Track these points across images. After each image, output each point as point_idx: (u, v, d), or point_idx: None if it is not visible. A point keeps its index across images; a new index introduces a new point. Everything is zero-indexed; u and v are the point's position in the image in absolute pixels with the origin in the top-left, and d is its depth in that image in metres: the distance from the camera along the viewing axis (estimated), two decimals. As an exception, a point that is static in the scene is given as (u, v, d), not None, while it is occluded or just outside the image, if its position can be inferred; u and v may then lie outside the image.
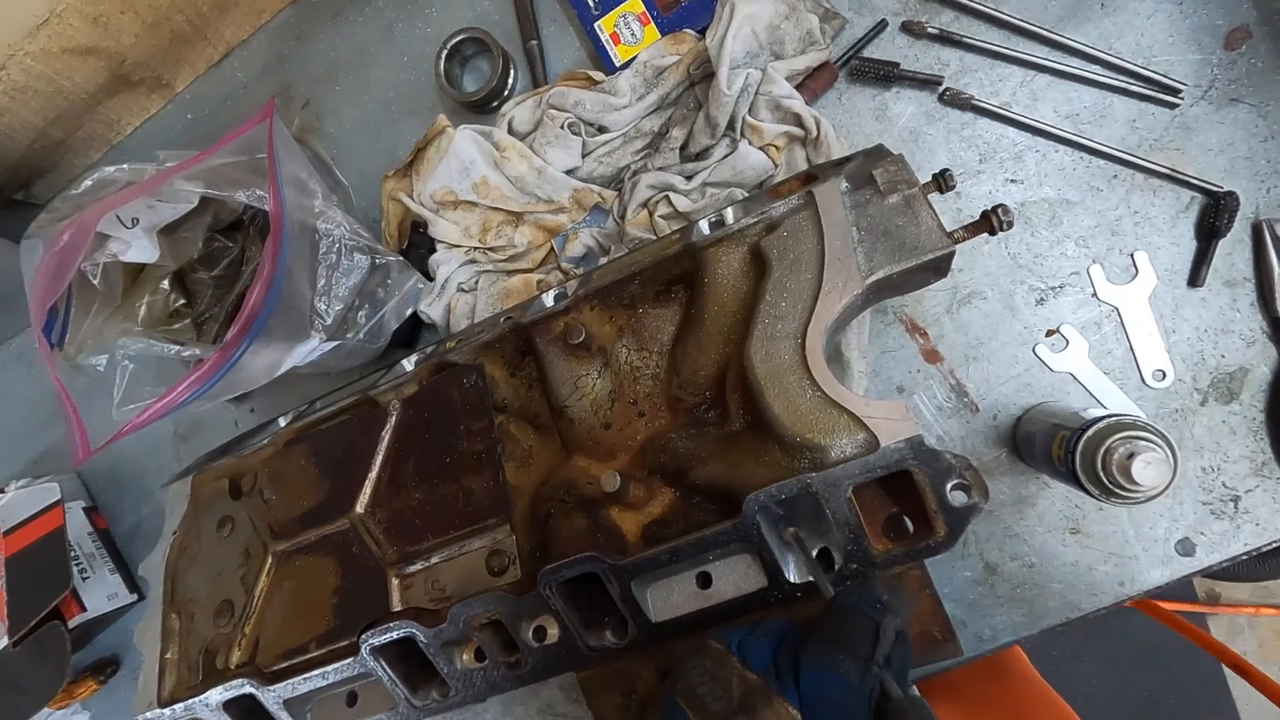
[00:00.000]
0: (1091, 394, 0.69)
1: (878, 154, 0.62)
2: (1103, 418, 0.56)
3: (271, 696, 0.65)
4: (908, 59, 0.73)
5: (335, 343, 0.78)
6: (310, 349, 0.76)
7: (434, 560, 0.65)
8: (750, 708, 0.43)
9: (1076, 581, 0.70)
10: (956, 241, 0.55)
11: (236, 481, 0.76)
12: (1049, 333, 0.71)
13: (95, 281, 0.66)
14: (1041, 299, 0.71)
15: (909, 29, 0.73)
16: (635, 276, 0.67)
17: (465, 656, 0.62)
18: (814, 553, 0.57)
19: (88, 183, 0.69)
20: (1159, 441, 0.53)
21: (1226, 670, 1.96)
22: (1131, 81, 0.69)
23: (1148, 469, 0.51)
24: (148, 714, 0.67)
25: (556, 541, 0.61)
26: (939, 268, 0.58)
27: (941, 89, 0.73)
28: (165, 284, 0.76)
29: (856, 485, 0.52)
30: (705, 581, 0.58)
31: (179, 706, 0.66)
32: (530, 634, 0.60)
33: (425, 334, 0.88)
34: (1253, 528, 0.66)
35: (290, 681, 0.64)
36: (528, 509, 0.67)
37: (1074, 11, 0.70)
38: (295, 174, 0.75)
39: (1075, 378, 0.70)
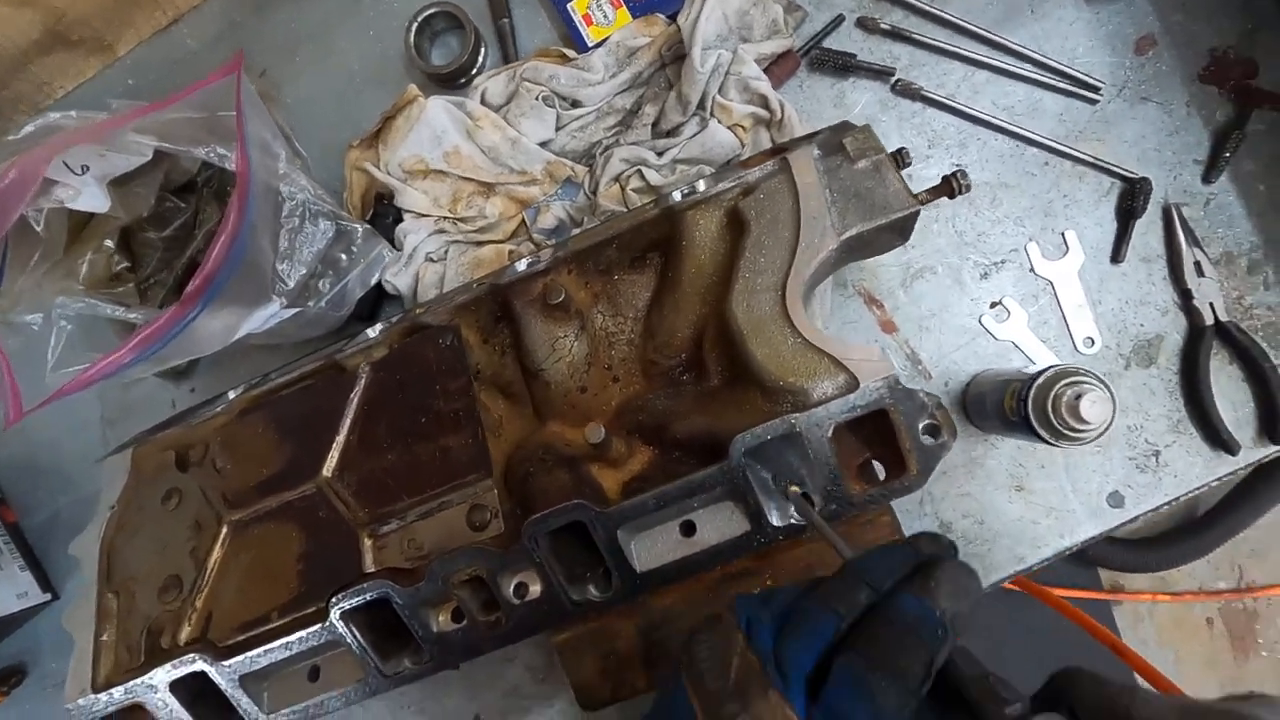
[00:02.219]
0: (1030, 360, 0.75)
1: (844, 128, 0.66)
2: (1048, 368, 0.62)
3: (226, 672, 0.60)
4: (863, 52, 0.79)
5: (296, 309, 0.75)
6: (270, 314, 0.73)
7: (410, 519, 0.63)
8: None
9: (1021, 535, 0.75)
10: (922, 203, 0.60)
11: (184, 453, 0.72)
12: (992, 304, 0.77)
13: (39, 229, 0.61)
14: (985, 273, 0.77)
15: (864, 24, 0.79)
16: (613, 240, 0.68)
17: (442, 618, 0.61)
18: (793, 494, 0.59)
19: (29, 128, 0.65)
20: (1100, 383, 0.58)
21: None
22: (1058, 79, 0.76)
23: (1094, 407, 0.56)
24: (80, 700, 0.62)
25: (540, 497, 0.61)
26: (904, 228, 0.62)
27: (894, 80, 0.78)
28: (110, 242, 0.72)
29: (837, 425, 0.55)
30: (689, 530, 0.59)
31: (117, 690, 0.61)
32: (511, 590, 0.59)
33: (387, 308, 0.86)
34: (1172, 479, 0.73)
35: (248, 655, 0.60)
36: (501, 477, 0.66)
37: (1008, 15, 0.78)
38: (260, 133, 0.72)
39: (1017, 345, 0.76)
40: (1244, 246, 0.74)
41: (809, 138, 0.67)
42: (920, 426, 0.55)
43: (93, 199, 0.63)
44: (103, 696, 0.61)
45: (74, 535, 0.76)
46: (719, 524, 0.59)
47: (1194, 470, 0.73)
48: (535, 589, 0.59)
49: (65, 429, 0.93)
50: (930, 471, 0.55)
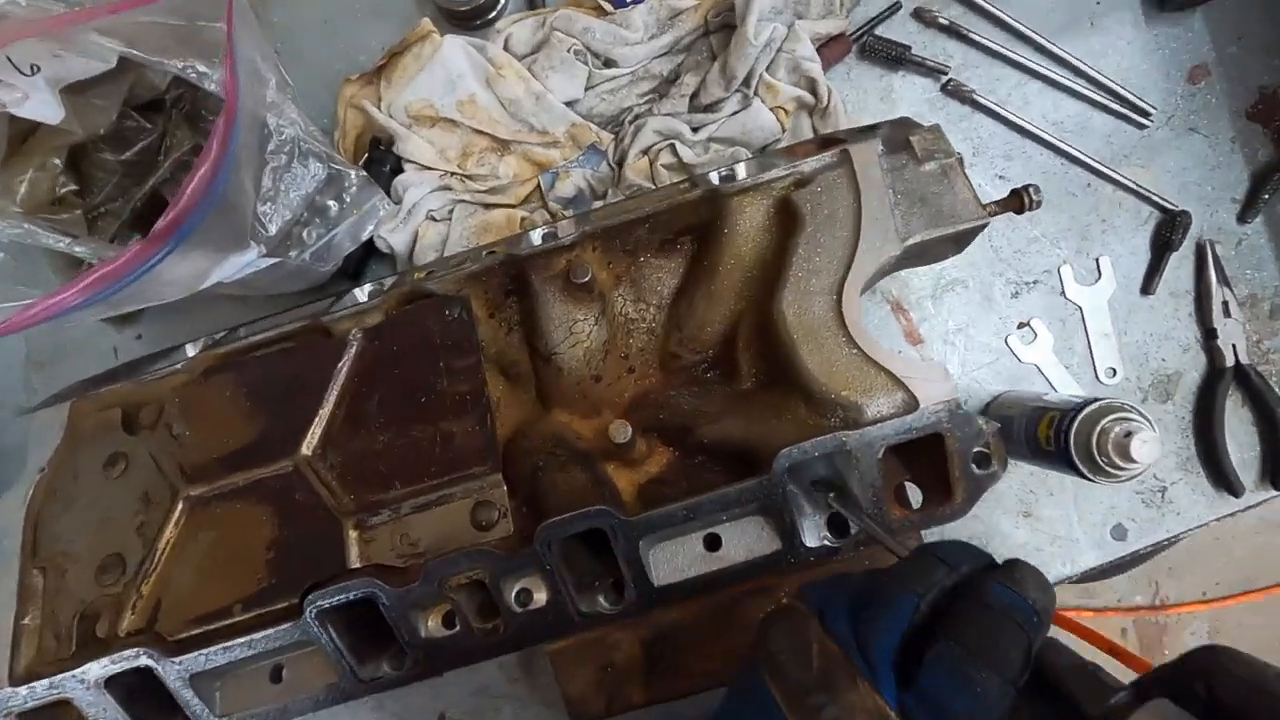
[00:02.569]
0: (1052, 385, 0.74)
1: (906, 124, 0.62)
2: (1092, 400, 0.59)
3: (176, 670, 0.53)
4: (917, 45, 0.75)
5: (275, 259, 0.66)
6: (246, 262, 0.64)
7: (403, 511, 0.56)
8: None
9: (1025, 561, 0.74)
10: (991, 215, 0.56)
11: (133, 412, 0.62)
12: (1020, 325, 0.74)
13: (-28, 135, 0.51)
14: (1016, 292, 0.75)
15: (920, 16, 0.75)
16: (646, 220, 0.62)
17: (432, 622, 0.54)
18: (824, 518, 0.55)
19: (-35, 11, 0.54)
20: (1149, 422, 0.56)
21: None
22: (1110, 99, 0.74)
23: (1144, 447, 0.54)
24: (-5, 693, 0.53)
25: (553, 495, 0.55)
26: (964, 240, 0.59)
27: (946, 79, 0.74)
28: (58, 160, 0.61)
29: (888, 448, 0.51)
30: (714, 544, 0.55)
31: (41, 684, 0.53)
32: (514, 597, 0.53)
33: (375, 267, 0.78)
34: (1175, 516, 0.73)
35: (203, 652, 0.53)
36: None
37: (1068, 25, 0.74)
38: (249, 53, 0.63)
39: (1040, 369, 0.74)
40: (1268, 290, 0.74)
41: (869, 130, 0.62)
42: (971, 453, 0.52)
43: (43, 106, 0.53)
44: (22, 690, 0.53)
45: None
46: (747, 540, 0.55)
47: (1196, 509, 0.73)
48: (540, 597, 0.54)
49: (-20, 368, 0.82)
50: (974, 502, 0.52)
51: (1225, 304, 0.72)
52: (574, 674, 0.61)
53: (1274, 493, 0.73)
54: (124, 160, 0.64)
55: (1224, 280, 0.72)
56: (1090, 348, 0.74)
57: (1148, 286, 0.73)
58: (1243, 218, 0.73)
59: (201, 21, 0.61)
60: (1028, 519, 0.74)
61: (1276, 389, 0.72)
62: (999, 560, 0.42)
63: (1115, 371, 0.73)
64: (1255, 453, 0.73)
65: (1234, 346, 0.71)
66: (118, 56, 0.58)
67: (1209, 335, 0.73)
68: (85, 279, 0.54)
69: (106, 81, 0.60)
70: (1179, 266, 0.74)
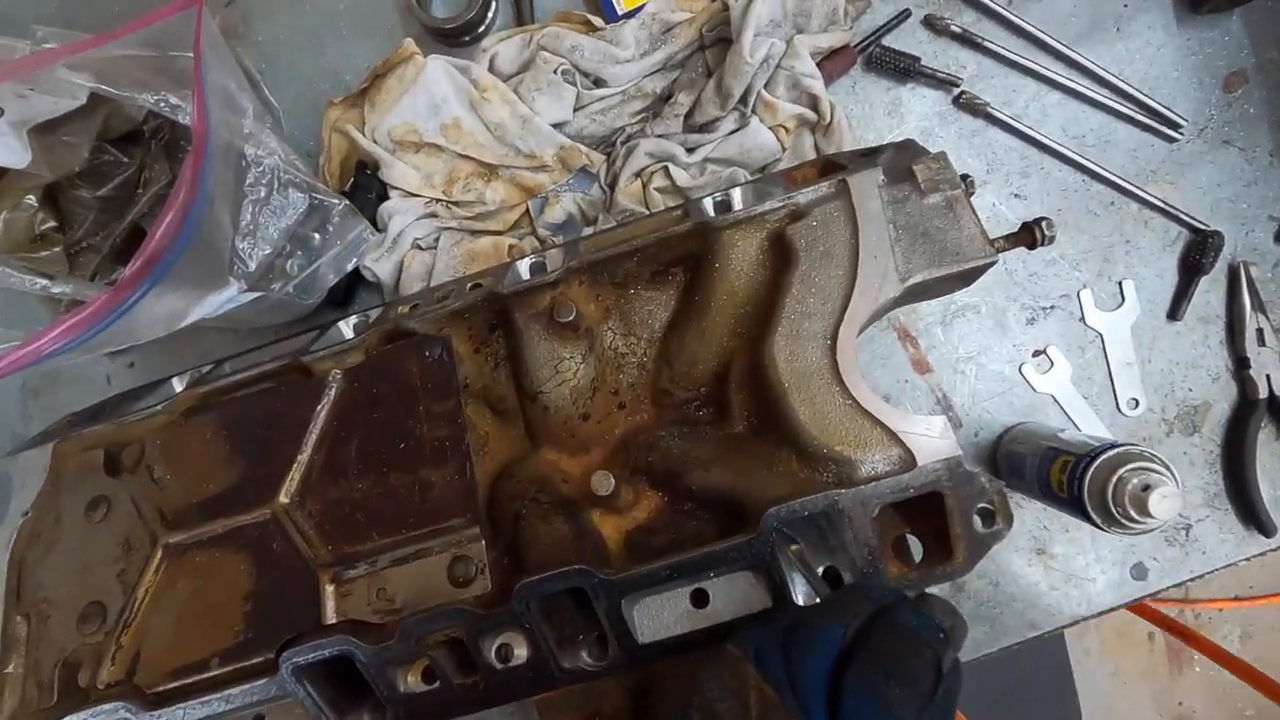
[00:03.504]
0: (1070, 417, 0.70)
1: (911, 149, 0.58)
2: (1110, 445, 0.56)
3: (154, 724, 0.52)
4: (927, 55, 0.70)
5: (257, 294, 0.65)
6: (226, 299, 0.63)
7: (380, 564, 0.55)
8: None
9: (1037, 601, 0.70)
10: (999, 251, 0.52)
11: (115, 454, 0.62)
12: (1036, 353, 0.70)
13: (-64, 183, 0.50)
14: (1032, 318, 0.70)
15: (931, 24, 0.70)
16: (635, 253, 0.59)
17: (411, 678, 0.53)
18: (820, 570, 0.52)
19: (-71, 53, 0.52)
20: (1170, 474, 0.53)
21: (1073, 666, 2.17)
22: (1137, 110, 0.69)
23: (1164, 502, 0.51)
24: (-23, 744, 0.53)
25: (534, 548, 0.53)
26: (970, 277, 0.55)
27: (958, 92, 0.70)
28: (32, 199, 0.60)
29: (884, 505, 0.48)
30: (701, 600, 0.52)
31: (23, 735, 0.53)
32: (494, 653, 0.52)
33: (363, 295, 0.76)
34: (1200, 555, 0.69)
35: (181, 706, 0.52)
36: (485, 504, 0.58)
37: (1091, 30, 0.69)
38: (223, 82, 0.61)
39: (1056, 400, 0.70)
40: (1308, 316, 0.68)
41: (870, 155, 0.58)
42: (975, 509, 0.49)
43: (8, 151, 0.52)
44: (5, 741, 0.53)
45: None
46: (735, 596, 0.52)
47: (1224, 548, 0.69)
48: (521, 653, 0.52)
49: (-21, 395, 0.82)
50: (977, 561, 0.49)
51: (1260, 331, 0.67)
52: (561, 722, 0.60)
53: (1309, 533, 0.68)
54: (101, 196, 0.62)
55: (1259, 306, 0.67)
56: (1111, 377, 0.69)
57: (1175, 312, 0.69)
58: (1281, 237, 0.68)
59: (174, 52, 0.60)
60: (1041, 557, 0.70)
61: (1314, 422, 0.67)
62: None
63: (1138, 402, 0.69)
64: (1289, 489, 0.69)
65: (1268, 377, 0.67)
66: (88, 93, 0.56)
67: (1241, 364, 0.68)
68: (58, 327, 0.53)
69: (77, 118, 0.58)
70: (1209, 290, 0.69)
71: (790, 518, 0.48)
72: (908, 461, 0.48)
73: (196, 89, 0.55)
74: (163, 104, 0.57)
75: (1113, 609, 0.70)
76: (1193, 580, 0.69)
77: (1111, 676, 2.20)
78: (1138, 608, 2.16)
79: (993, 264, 0.53)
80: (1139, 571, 0.70)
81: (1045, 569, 0.70)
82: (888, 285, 0.52)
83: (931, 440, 0.48)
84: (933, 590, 0.50)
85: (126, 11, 0.75)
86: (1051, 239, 0.52)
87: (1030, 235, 0.53)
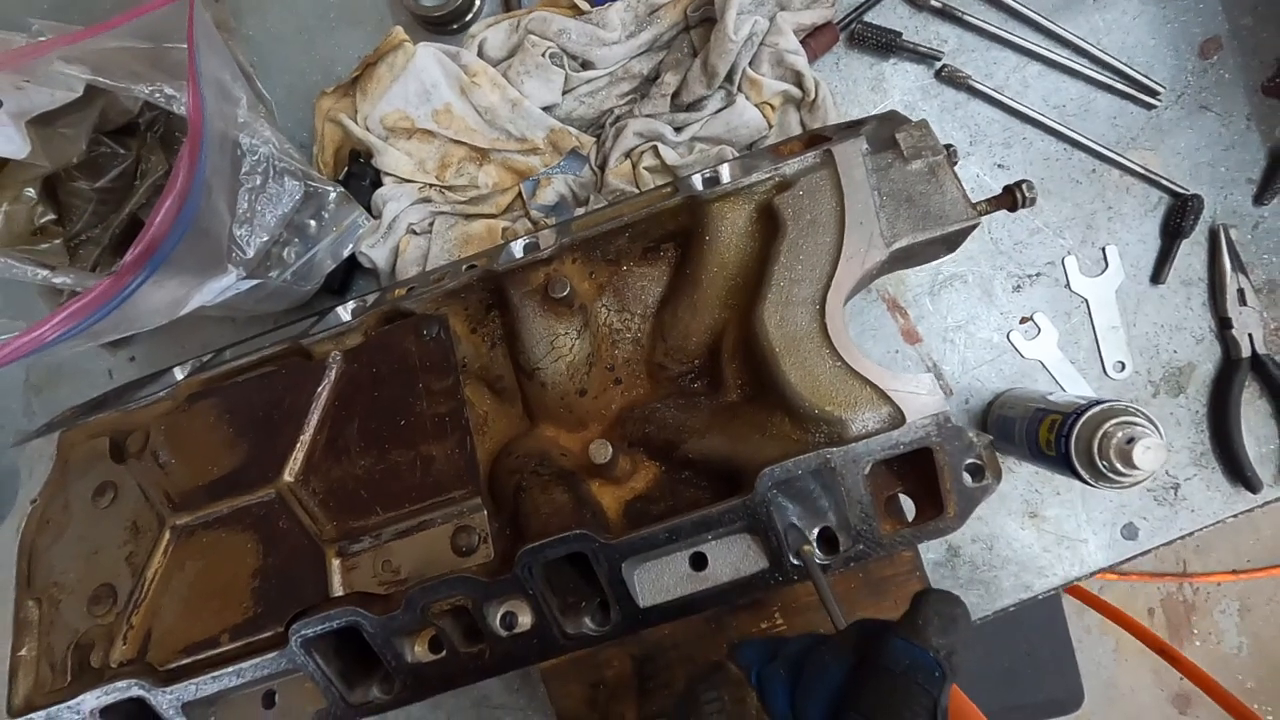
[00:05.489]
0: (1058, 381, 0.71)
1: (894, 119, 0.59)
2: (1095, 403, 0.57)
3: (167, 699, 0.53)
4: (908, 30, 0.71)
5: (255, 281, 0.66)
6: (224, 286, 0.64)
7: (385, 537, 0.56)
8: None
9: (1030, 563, 0.72)
10: (981, 214, 0.53)
11: (120, 441, 0.62)
12: (1023, 320, 0.72)
13: (-62, 174, 0.51)
14: (1018, 286, 0.72)
15: (912, -1, 0.71)
16: (626, 229, 0.60)
17: (418, 648, 0.54)
18: (814, 533, 0.53)
19: (-73, 47, 0.53)
20: (1154, 427, 0.54)
21: (1075, 644, 2.19)
22: (1115, 78, 0.70)
23: (1148, 453, 0.52)
24: (-7, 726, 0.54)
25: (535, 517, 0.54)
26: (955, 241, 0.56)
27: (939, 65, 0.71)
28: (31, 191, 0.61)
29: (876, 462, 0.49)
30: (700, 563, 0.54)
31: (38, 715, 0.54)
32: (499, 621, 0.53)
33: (360, 282, 0.77)
34: (1189, 514, 0.71)
35: (193, 681, 0.53)
36: (486, 480, 0.59)
37: (1068, 3, 0.71)
38: (217, 73, 0.62)
39: (1044, 365, 0.71)
40: (1288, 276, 0.70)
41: (854, 127, 0.59)
42: (963, 465, 0.50)
43: (8, 142, 0.53)
44: (20, 721, 0.54)
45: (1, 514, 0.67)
46: (733, 558, 0.53)
47: (1212, 505, 0.70)
48: (525, 620, 0.53)
49: (-18, 393, 0.83)
50: (968, 515, 0.50)
51: (1241, 291, 0.68)
52: (566, 691, 0.61)
53: (1294, 488, 0.70)
54: (99, 188, 0.63)
55: (1239, 267, 0.69)
56: (1097, 341, 0.71)
57: (1158, 276, 0.70)
58: (1259, 199, 0.69)
59: (168, 44, 0.61)
60: (1033, 519, 0.71)
61: (1296, 379, 0.69)
62: None
63: (1124, 365, 0.70)
64: (1274, 446, 0.70)
65: (1250, 336, 0.68)
66: (84, 84, 0.57)
67: (1224, 325, 0.69)
68: (59, 314, 0.54)
69: (74, 110, 0.59)
70: (1191, 254, 0.70)
71: (784, 477, 0.49)
72: (897, 419, 0.50)
73: (191, 77, 0.56)
74: (158, 94, 0.58)
75: (1105, 569, 0.71)
76: (1183, 538, 0.71)
77: (1113, 653, 2.22)
78: (1139, 575, 2.16)
79: (975, 227, 0.54)
80: (1130, 531, 0.71)
81: (1038, 531, 0.72)
82: (874, 250, 0.53)
83: (919, 397, 0.49)
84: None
85: (121, 4, 0.76)
86: (1032, 200, 0.54)
87: (1011, 197, 0.54)
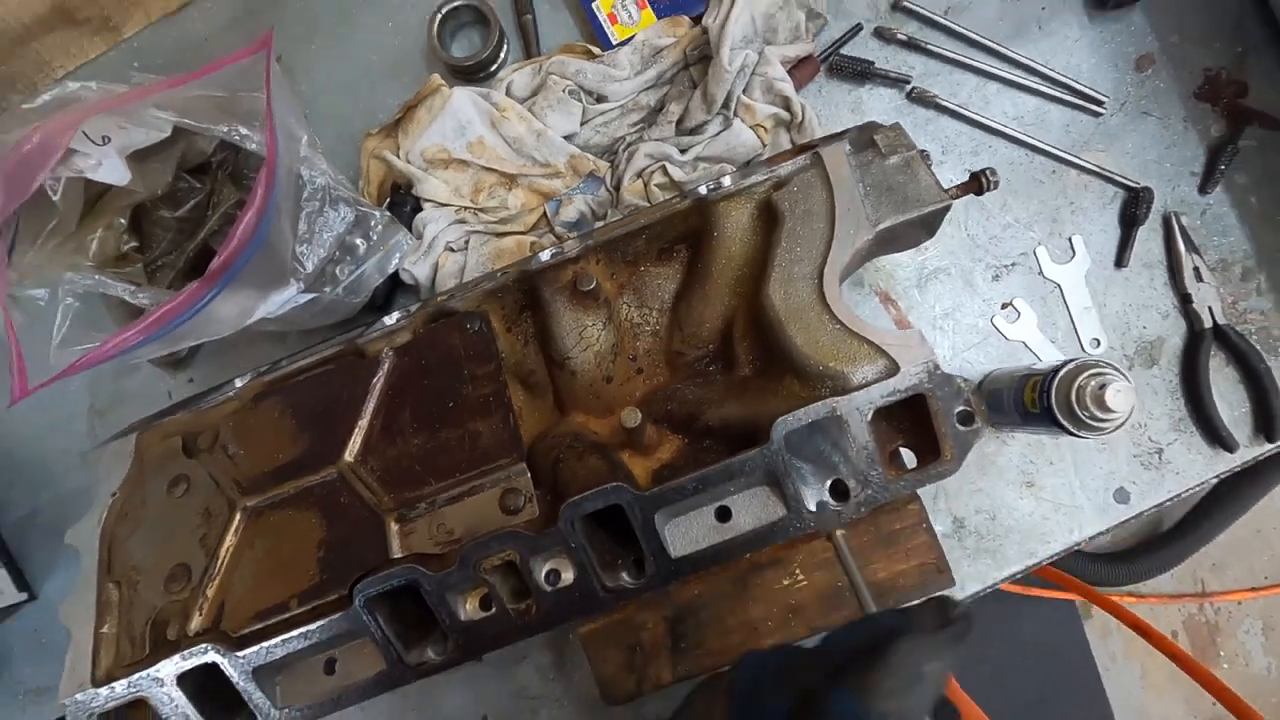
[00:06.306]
0: (1040, 359, 0.78)
1: (872, 126, 0.68)
2: (1069, 360, 0.64)
3: (239, 664, 0.58)
4: (880, 60, 0.82)
5: (312, 295, 0.74)
6: (287, 298, 0.72)
7: (439, 504, 0.61)
8: None
9: (1032, 530, 0.76)
10: (953, 197, 0.61)
11: (191, 439, 0.69)
12: (1004, 305, 0.79)
13: (55, 198, 0.59)
14: (996, 276, 0.79)
15: (881, 34, 0.82)
16: (643, 231, 0.69)
17: (470, 606, 0.59)
18: (827, 485, 0.59)
19: (46, 97, 0.63)
20: (1121, 373, 0.60)
21: (1101, 672, 2.16)
22: (1064, 92, 0.80)
23: (1118, 396, 0.58)
24: (79, 695, 0.58)
25: (573, 482, 0.60)
26: (933, 222, 0.64)
27: (909, 88, 0.81)
28: (122, 220, 0.69)
29: (876, 410, 0.56)
30: (724, 515, 0.59)
31: (120, 684, 0.58)
32: (544, 577, 0.58)
33: (401, 299, 0.85)
34: (1174, 476, 0.76)
35: (264, 645, 0.58)
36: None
37: (1018, 31, 0.81)
38: (284, 116, 0.71)
39: (1027, 345, 0.78)
40: (1238, 254, 0.78)
41: (839, 135, 0.68)
42: (955, 412, 0.56)
43: (113, 170, 0.61)
44: (103, 691, 0.58)
45: (53, 533, 0.73)
46: (754, 509, 0.59)
47: (1195, 467, 0.76)
48: (568, 576, 0.58)
49: (48, 422, 0.89)
50: (964, 458, 0.56)
51: (1196, 270, 0.76)
52: (604, 656, 0.65)
53: (1269, 446, 0.75)
54: (178, 216, 0.72)
55: (1192, 248, 0.77)
56: (1073, 321, 0.78)
57: (1120, 260, 0.78)
58: (1203, 189, 0.78)
59: (242, 92, 0.71)
60: (1031, 489, 0.77)
61: (1257, 347, 0.75)
62: None
63: (1099, 341, 0.77)
64: (1246, 409, 0.76)
65: (1210, 309, 0.75)
66: (172, 126, 0.67)
67: (1185, 300, 0.76)
68: (148, 318, 0.62)
69: (163, 148, 0.69)
70: (1148, 239, 0.78)
71: (796, 425, 0.55)
72: (892, 369, 0.56)
73: (269, 115, 0.65)
74: (234, 134, 0.68)
75: (1102, 532, 0.76)
76: (1170, 501, 0.75)
77: (1140, 680, 2.18)
78: (1158, 598, 2.14)
79: (948, 208, 0.62)
80: (1121, 495, 0.76)
81: (1036, 500, 0.77)
82: (861, 230, 0.61)
83: (910, 349, 0.56)
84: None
85: (192, 68, 0.86)
86: (996, 184, 0.62)
87: (977, 182, 0.62)
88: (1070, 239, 0.79)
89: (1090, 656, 2.17)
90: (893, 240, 0.65)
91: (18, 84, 0.88)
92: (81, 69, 0.91)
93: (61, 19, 0.84)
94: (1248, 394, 0.76)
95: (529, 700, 0.80)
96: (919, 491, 0.63)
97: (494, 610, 0.58)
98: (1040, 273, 0.79)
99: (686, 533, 0.59)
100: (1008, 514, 0.77)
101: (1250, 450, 0.75)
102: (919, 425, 0.58)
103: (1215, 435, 0.75)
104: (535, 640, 0.80)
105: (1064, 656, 2.15)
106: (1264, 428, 0.75)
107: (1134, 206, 0.77)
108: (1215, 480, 0.76)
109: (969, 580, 0.76)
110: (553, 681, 0.80)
